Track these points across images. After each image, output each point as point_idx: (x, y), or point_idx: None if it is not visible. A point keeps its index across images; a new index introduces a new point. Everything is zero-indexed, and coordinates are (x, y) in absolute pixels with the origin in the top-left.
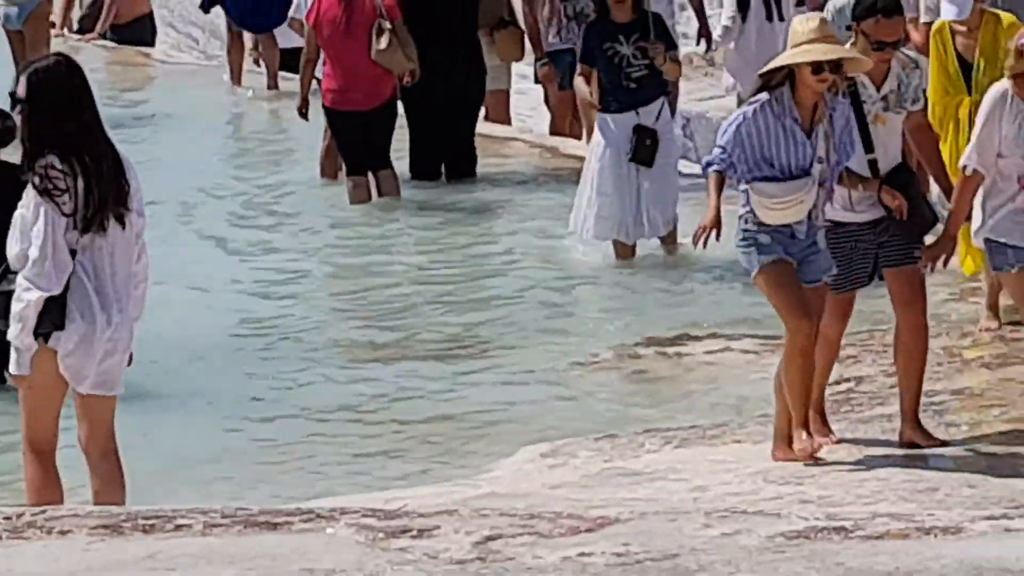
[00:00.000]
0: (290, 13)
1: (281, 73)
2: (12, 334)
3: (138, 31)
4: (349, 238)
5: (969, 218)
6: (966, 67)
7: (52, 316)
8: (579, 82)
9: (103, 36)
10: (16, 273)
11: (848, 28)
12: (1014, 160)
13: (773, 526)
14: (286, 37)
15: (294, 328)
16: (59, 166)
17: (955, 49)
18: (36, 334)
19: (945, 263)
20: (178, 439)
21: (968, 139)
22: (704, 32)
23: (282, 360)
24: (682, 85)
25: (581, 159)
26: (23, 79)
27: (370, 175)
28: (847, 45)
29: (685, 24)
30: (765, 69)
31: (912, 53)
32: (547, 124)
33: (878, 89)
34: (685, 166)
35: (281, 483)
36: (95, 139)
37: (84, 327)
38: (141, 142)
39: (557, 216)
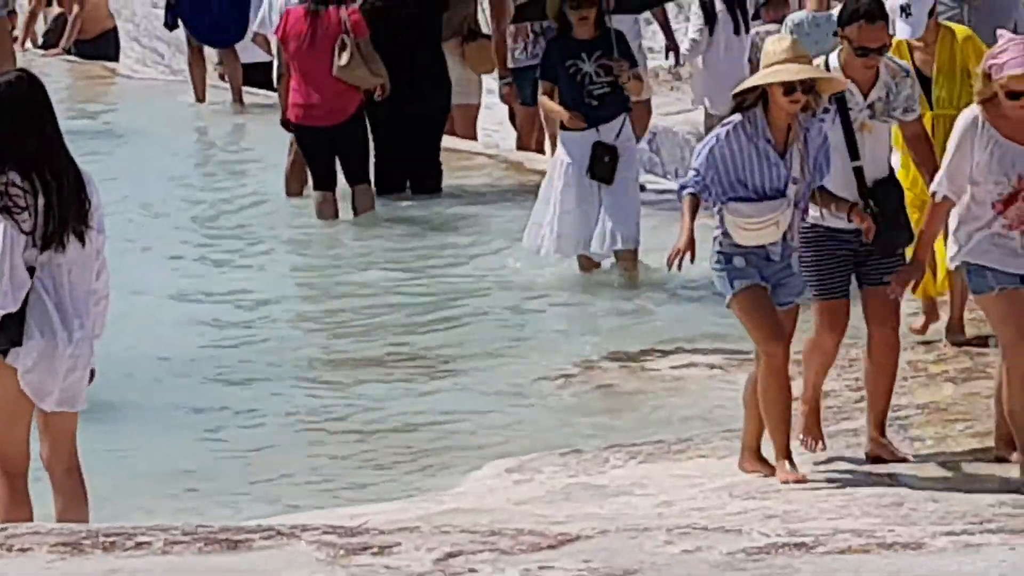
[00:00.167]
0: (254, 28)
1: (245, 88)
2: None
3: (102, 46)
4: (315, 253)
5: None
6: (925, 82)
7: (10, 333)
8: (544, 99)
9: (67, 51)
10: None
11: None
12: (987, 187)
13: (734, 542)
14: (250, 52)
15: (259, 344)
16: (20, 183)
17: (914, 65)
18: None
19: (914, 289)
20: (142, 455)
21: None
22: (672, 46)
23: (248, 376)
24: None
25: (544, 173)
26: None
27: (339, 189)
28: (833, 54)
29: (651, 38)
30: (737, 89)
31: (904, 62)
32: (513, 139)
33: (865, 96)
34: (651, 181)
35: (245, 499)
36: (56, 155)
37: (44, 344)
38: (105, 157)
39: (519, 232)
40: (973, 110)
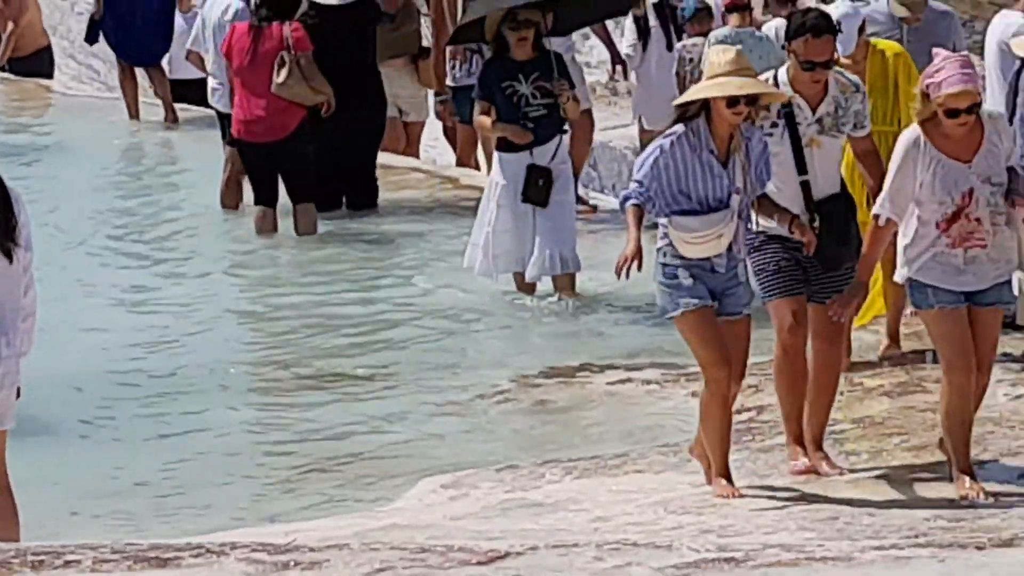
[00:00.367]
0: (188, 46)
1: (179, 105)
2: None
3: (36, 64)
4: (251, 270)
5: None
6: None
7: None
8: (481, 119)
9: (2, 69)
10: None
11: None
12: (931, 207)
13: (664, 558)
14: (184, 69)
15: (195, 362)
16: None
17: None
18: None
19: (856, 311)
20: (75, 473)
21: None
22: (617, 60)
23: (183, 394)
24: None
25: (481, 189)
26: None
27: (281, 205)
28: (782, 69)
29: (587, 53)
30: (680, 101)
31: (855, 77)
32: (449, 154)
33: (813, 111)
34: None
35: (180, 517)
36: None
37: None
38: (39, 174)
39: (458, 248)
40: (914, 130)
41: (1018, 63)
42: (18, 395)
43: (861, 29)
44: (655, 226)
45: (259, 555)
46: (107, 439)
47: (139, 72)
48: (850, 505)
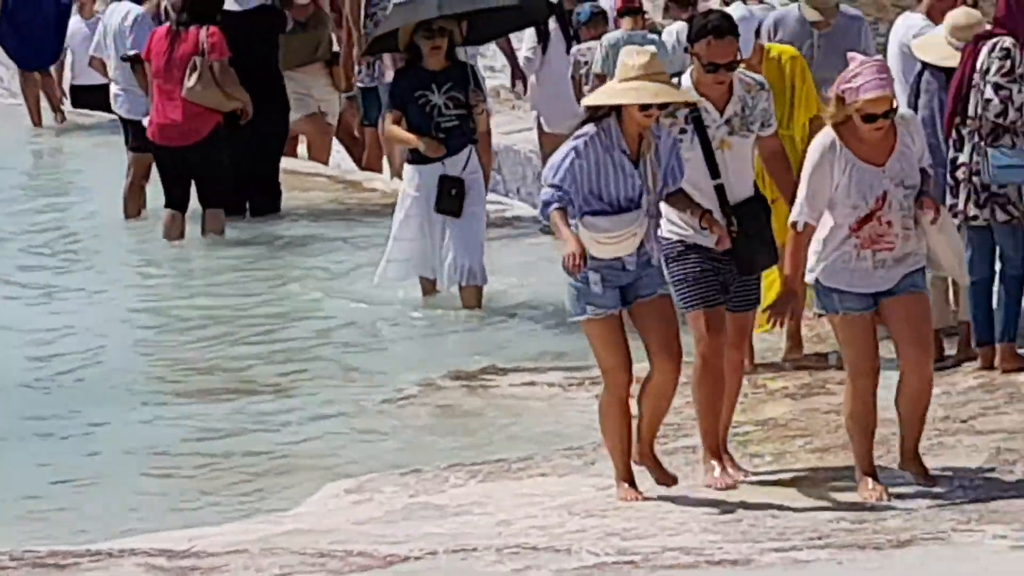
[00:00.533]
0: (90, 51)
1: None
2: None
3: None
4: (155, 275)
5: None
6: None
7: None
8: (393, 129)
9: None
10: None
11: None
12: (844, 210)
13: (564, 562)
14: (87, 75)
15: (97, 368)
16: None
17: None
18: None
19: (792, 316)
20: None
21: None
22: (518, 74)
23: (86, 399)
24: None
25: (384, 193)
26: None
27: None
28: (685, 74)
29: (491, 57)
30: (590, 102)
31: (758, 76)
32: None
33: (721, 113)
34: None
35: (82, 523)
36: None
37: None
38: None
39: (361, 251)
40: (828, 134)
41: (919, 65)
42: None
43: (757, 32)
44: (549, 231)
45: (158, 560)
46: (11, 442)
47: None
48: (754, 507)
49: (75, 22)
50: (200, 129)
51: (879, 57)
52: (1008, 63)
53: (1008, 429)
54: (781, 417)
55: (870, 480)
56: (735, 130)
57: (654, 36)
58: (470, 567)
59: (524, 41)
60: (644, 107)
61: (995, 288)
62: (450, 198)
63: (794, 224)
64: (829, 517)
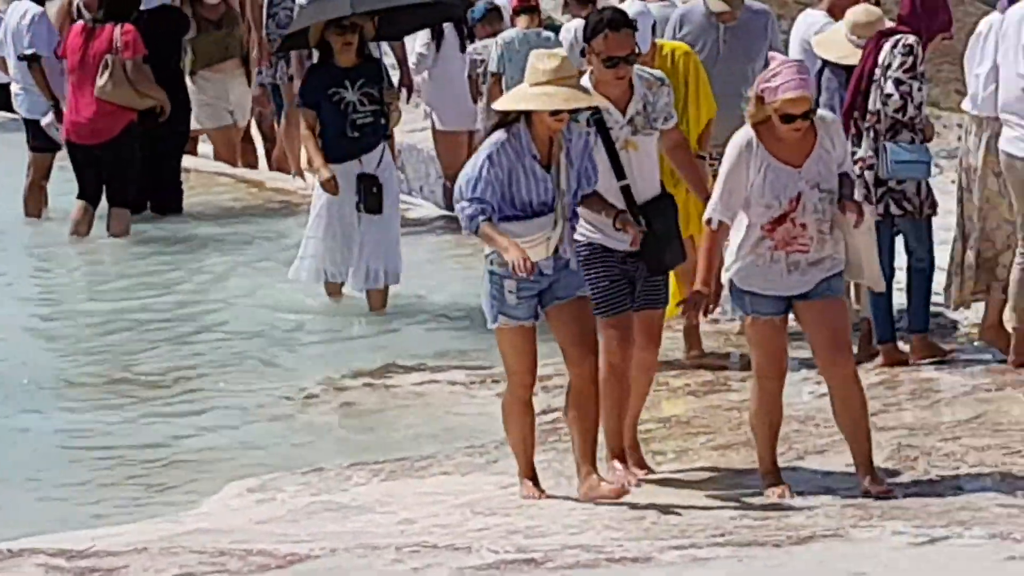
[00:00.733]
0: None
1: None
2: None
3: None
4: (56, 275)
5: None
6: None
7: None
8: (307, 137)
9: None
10: None
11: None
12: (758, 209)
13: (463, 560)
14: None
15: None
16: None
17: None
18: None
19: (706, 313)
20: None
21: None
22: (407, 81)
23: None
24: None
25: (286, 192)
26: None
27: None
28: (584, 77)
29: (390, 54)
30: (499, 107)
31: (657, 71)
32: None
33: (623, 113)
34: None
35: None
36: None
37: None
38: None
39: (263, 251)
40: (747, 132)
41: (820, 62)
42: None
43: (654, 27)
44: (457, 230)
45: (57, 560)
46: None
47: None
48: (657, 505)
49: None
50: (112, 127)
51: (800, 58)
52: (911, 59)
53: (909, 426)
54: (683, 414)
55: (773, 477)
56: (639, 129)
57: (550, 34)
58: (370, 565)
59: (418, 38)
60: (555, 112)
61: (894, 283)
62: (372, 196)
63: (708, 221)
64: (732, 514)
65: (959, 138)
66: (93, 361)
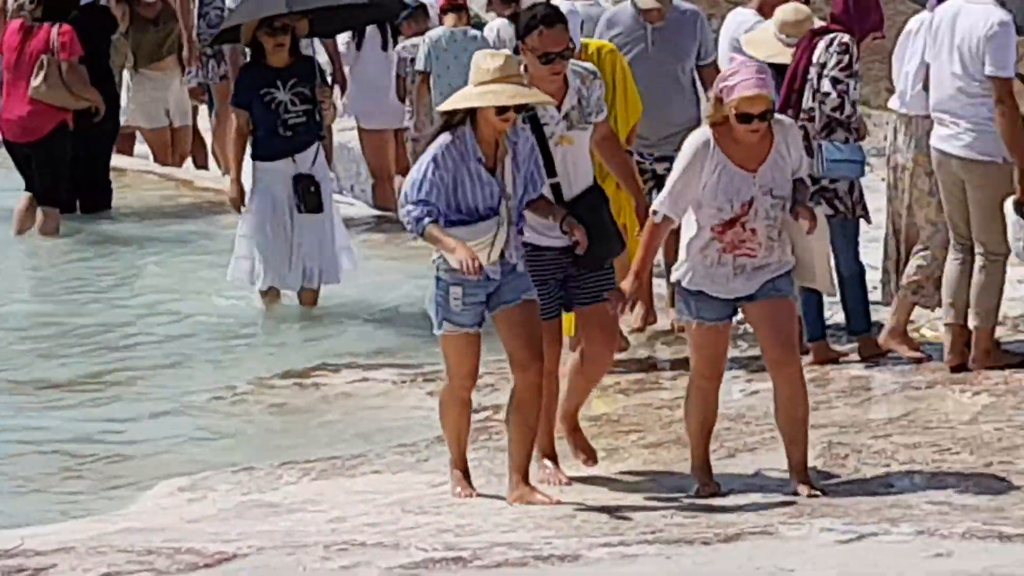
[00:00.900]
0: None
1: None
2: None
3: None
4: None
5: None
6: None
7: None
8: (233, 143)
9: None
10: None
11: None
12: (709, 211)
13: (392, 558)
14: None
15: None
16: None
17: None
18: None
19: (632, 307)
20: None
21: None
22: (339, 78)
23: None
24: None
25: (215, 191)
26: None
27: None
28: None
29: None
30: (445, 107)
31: (589, 64)
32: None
33: (559, 108)
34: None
35: None
36: None
37: None
38: None
39: (194, 249)
40: (704, 132)
41: None
42: None
43: (581, 27)
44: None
45: None
46: None
47: None
48: (587, 503)
49: None
50: (42, 127)
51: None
52: (847, 58)
53: (840, 423)
54: (613, 412)
55: (703, 475)
56: (574, 124)
57: (477, 32)
58: (298, 563)
59: (339, 36)
60: (501, 111)
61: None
62: (311, 195)
63: (654, 212)
64: (662, 512)
65: (885, 137)
66: (23, 363)
